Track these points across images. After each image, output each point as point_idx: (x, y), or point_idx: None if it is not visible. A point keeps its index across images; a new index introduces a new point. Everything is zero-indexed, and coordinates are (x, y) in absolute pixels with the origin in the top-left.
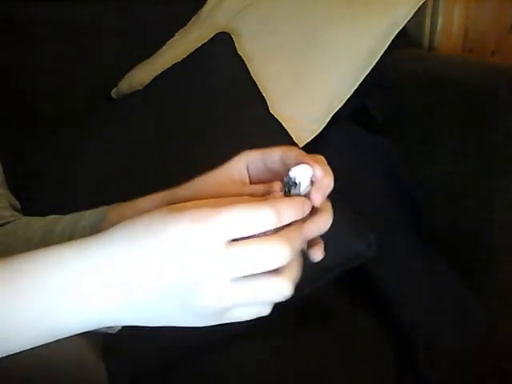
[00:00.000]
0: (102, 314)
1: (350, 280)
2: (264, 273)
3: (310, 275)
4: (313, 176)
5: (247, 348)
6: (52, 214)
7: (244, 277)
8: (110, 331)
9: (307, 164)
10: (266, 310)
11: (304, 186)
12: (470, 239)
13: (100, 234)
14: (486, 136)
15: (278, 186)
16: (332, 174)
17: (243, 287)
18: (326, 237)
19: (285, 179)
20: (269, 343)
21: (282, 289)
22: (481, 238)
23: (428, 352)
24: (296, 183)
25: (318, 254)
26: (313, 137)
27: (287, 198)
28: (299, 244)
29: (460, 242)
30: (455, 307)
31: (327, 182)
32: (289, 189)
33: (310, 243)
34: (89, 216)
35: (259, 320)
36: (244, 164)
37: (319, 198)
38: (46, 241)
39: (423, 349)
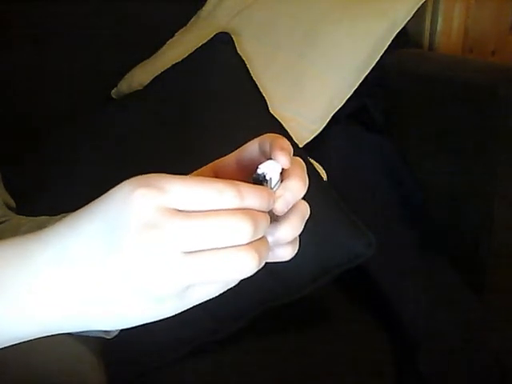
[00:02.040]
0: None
1: (350, 280)
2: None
3: (310, 275)
4: (282, 171)
5: (247, 348)
6: (51, 214)
7: (201, 250)
8: (106, 336)
9: (274, 160)
10: (230, 286)
11: (274, 182)
12: (470, 239)
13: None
14: (486, 136)
15: None
16: (305, 179)
17: (200, 260)
18: (326, 237)
19: (253, 176)
20: (269, 343)
21: (246, 261)
22: (481, 238)
23: (428, 352)
24: (266, 179)
25: (288, 252)
26: (313, 137)
27: (252, 184)
28: (265, 224)
29: (460, 242)
30: (455, 307)
31: (296, 186)
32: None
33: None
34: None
35: (259, 320)
36: (208, 174)
37: (279, 206)
38: None
39: (423, 349)
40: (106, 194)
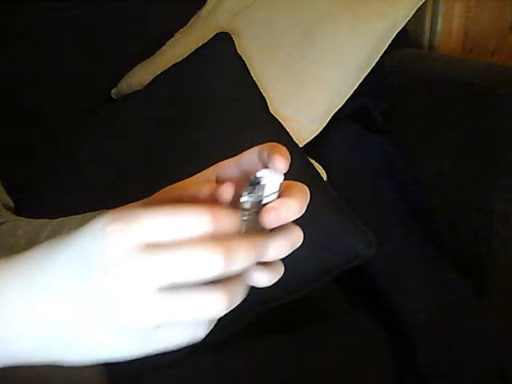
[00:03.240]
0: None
1: (350, 280)
2: (197, 285)
3: (310, 275)
4: (281, 184)
5: (247, 348)
6: (51, 214)
7: (173, 288)
8: None
9: (272, 167)
10: (200, 332)
11: (270, 191)
12: (470, 239)
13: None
14: (486, 136)
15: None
16: (303, 203)
17: (171, 299)
18: (326, 237)
19: (250, 179)
20: (269, 343)
21: (216, 303)
22: (481, 238)
23: (428, 352)
24: (261, 184)
25: (263, 277)
26: (313, 137)
27: (230, 208)
28: (243, 256)
29: (460, 242)
30: (455, 307)
31: (293, 204)
32: (251, 191)
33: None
34: (74, 222)
35: (259, 319)
36: (211, 176)
37: (267, 218)
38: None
39: (423, 348)
40: (81, 228)
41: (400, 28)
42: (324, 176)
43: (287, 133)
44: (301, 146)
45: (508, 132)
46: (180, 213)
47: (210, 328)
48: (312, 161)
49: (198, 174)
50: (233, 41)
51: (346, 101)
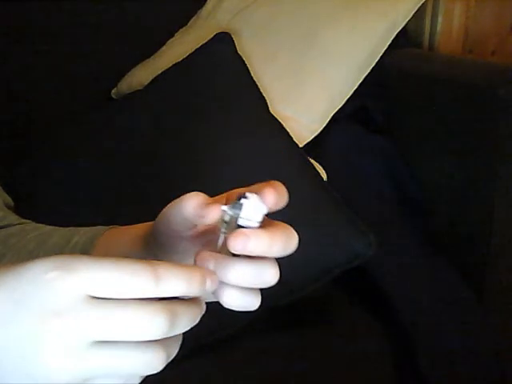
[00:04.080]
0: None
1: (350, 280)
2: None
3: (310, 275)
4: (264, 217)
5: (247, 348)
6: (51, 214)
7: (108, 342)
8: None
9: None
10: (133, 383)
11: (250, 216)
12: (470, 239)
13: None
14: (486, 136)
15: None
16: (278, 243)
17: (105, 354)
18: (326, 237)
19: (238, 193)
20: (269, 343)
21: (152, 361)
22: (481, 238)
23: (428, 352)
24: (240, 204)
25: (231, 298)
26: (313, 137)
27: (178, 264)
28: (186, 322)
29: (460, 242)
30: (455, 307)
31: (265, 239)
32: (234, 205)
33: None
34: (83, 233)
35: (259, 320)
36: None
37: (232, 242)
38: (35, 254)
39: (423, 349)
40: (21, 267)
41: (400, 28)
42: (324, 176)
43: (287, 133)
44: (301, 146)
45: (508, 132)
46: (122, 268)
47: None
48: (312, 161)
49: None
50: (233, 41)
51: (346, 101)
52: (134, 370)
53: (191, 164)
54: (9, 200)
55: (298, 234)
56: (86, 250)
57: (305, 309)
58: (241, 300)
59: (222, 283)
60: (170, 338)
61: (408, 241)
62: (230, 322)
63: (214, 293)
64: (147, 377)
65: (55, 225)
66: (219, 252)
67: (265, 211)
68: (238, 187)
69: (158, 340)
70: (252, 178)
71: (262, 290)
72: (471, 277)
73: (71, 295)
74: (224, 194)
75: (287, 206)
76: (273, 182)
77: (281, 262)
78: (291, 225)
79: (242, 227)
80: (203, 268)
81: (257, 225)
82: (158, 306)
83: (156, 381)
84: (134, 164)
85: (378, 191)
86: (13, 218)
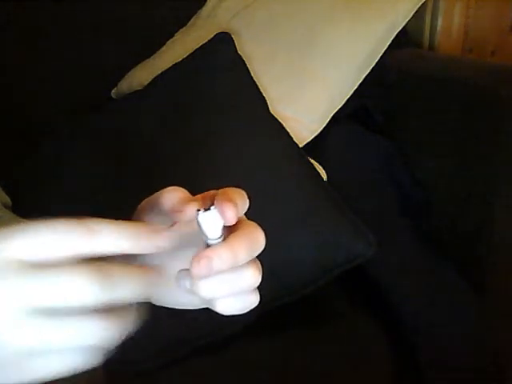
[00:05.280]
0: None
1: (349, 280)
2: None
3: (310, 275)
4: (224, 229)
5: (247, 348)
6: (50, 213)
7: (51, 314)
8: None
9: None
10: (87, 359)
11: (210, 234)
12: (470, 239)
13: None
14: (486, 136)
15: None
16: (245, 244)
17: (44, 322)
18: (326, 237)
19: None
20: (269, 343)
21: (97, 331)
22: (481, 238)
23: (428, 352)
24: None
25: (225, 306)
26: (313, 137)
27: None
28: (125, 285)
29: (460, 242)
30: (455, 307)
31: (225, 254)
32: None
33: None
34: None
35: (259, 320)
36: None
37: (196, 269)
38: None
39: (423, 349)
40: None
41: (400, 28)
42: (324, 176)
43: (287, 133)
44: (301, 146)
45: (508, 132)
46: (55, 229)
47: (108, 354)
48: (312, 161)
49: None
50: (233, 41)
51: (346, 101)
52: (77, 340)
53: (191, 164)
54: (6, 200)
55: (298, 234)
56: None
57: (305, 309)
58: (234, 306)
59: None
60: (119, 310)
61: (408, 241)
62: (229, 322)
63: (207, 304)
64: (147, 377)
65: None
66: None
67: (221, 225)
68: (236, 187)
69: (105, 310)
70: (252, 178)
71: (261, 290)
72: (471, 277)
73: (4, 262)
74: (200, 195)
75: (287, 206)
76: (228, 190)
77: (281, 262)
78: (290, 223)
79: (206, 243)
80: (156, 226)
81: (219, 240)
82: (92, 267)
83: (156, 381)
84: (134, 164)
85: (378, 191)
86: (10, 217)
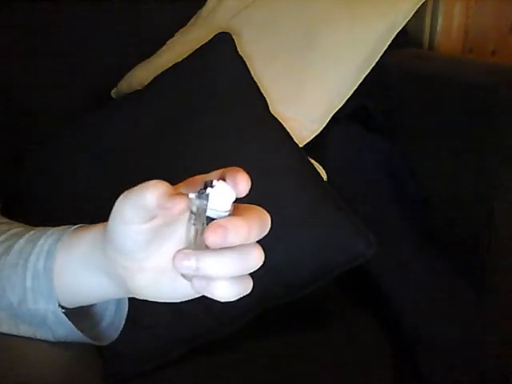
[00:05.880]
0: None
1: (349, 280)
2: None
3: (310, 275)
4: (233, 204)
5: (247, 348)
6: (50, 213)
7: None
8: (100, 344)
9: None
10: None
11: (217, 205)
12: (470, 239)
13: None
14: (486, 136)
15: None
16: (254, 226)
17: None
18: (326, 237)
19: (204, 181)
20: (269, 343)
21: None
22: (481, 238)
23: (428, 352)
24: (207, 194)
25: (223, 290)
26: (313, 137)
27: None
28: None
29: (460, 242)
30: (455, 307)
31: (242, 226)
32: (200, 194)
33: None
34: (50, 234)
35: (259, 319)
36: (183, 191)
37: (211, 236)
38: (1, 262)
39: (423, 349)
40: None
41: (400, 28)
42: (324, 176)
43: (287, 133)
44: (301, 146)
45: (508, 132)
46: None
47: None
48: (312, 161)
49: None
50: (233, 41)
51: (346, 101)
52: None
53: (191, 164)
54: None
55: (298, 234)
56: (51, 253)
57: (305, 309)
58: (233, 289)
59: (208, 279)
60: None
61: (408, 241)
62: (229, 321)
63: (204, 291)
64: (147, 377)
65: (54, 225)
66: (190, 245)
67: (233, 198)
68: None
69: None
70: (251, 178)
71: (261, 290)
72: (471, 277)
73: None
74: (182, 182)
75: (287, 206)
76: (233, 168)
77: (281, 262)
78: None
79: (211, 218)
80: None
81: (226, 214)
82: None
83: (156, 381)
84: (134, 164)
85: (378, 191)
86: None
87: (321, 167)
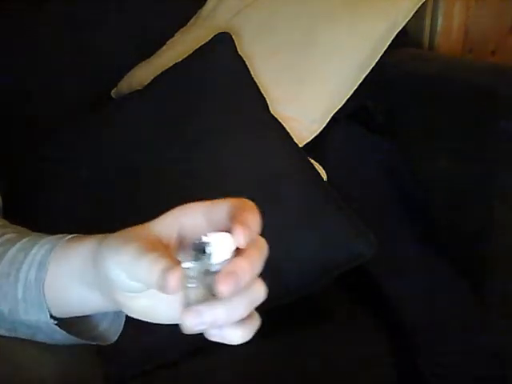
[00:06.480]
0: None
1: (349, 280)
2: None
3: (310, 275)
4: (234, 250)
5: (247, 348)
6: (50, 213)
7: None
8: (101, 343)
9: (229, 232)
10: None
11: (218, 258)
12: (470, 239)
13: None
14: (486, 136)
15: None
16: (256, 263)
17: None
18: (326, 237)
19: (195, 242)
20: (269, 343)
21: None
22: (481, 238)
23: (428, 352)
24: (206, 251)
25: (236, 335)
26: (313, 137)
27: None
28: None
29: (460, 242)
30: (455, 307)
31: (243, 265)
32: (196, 257)
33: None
34: (43, 243)
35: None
36: (175, 226)
37: (225, 287)
38: None
39: (423, 349)
40: None
41: (400, 28)
42: (324, 176)
43: (287, 133)
44: (301, 146)
45: (508, 132)
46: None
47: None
48: (312, 161)
49: (165, 214)
50: (233, 41)
51: (346, 101)
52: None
53: (191, 164)
54: None
55: (298, 234)
56: (44, 265)
57: (305, 309)
58: (246, 330)
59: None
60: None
61: (408, 240)
62: None
63: (220, 339)
64: (147, 377)
65: (54, 225)
66: (191, 302)
67: (233, 247)
68: (236, 187)
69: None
70: (252, 178)
71: None
72: (471, 277)
73: None
74: (179, 208)
75: (287, 206)
76: (239, 202)
77: (281, 262)
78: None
79: (213, 271)
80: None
81: (228, 258)
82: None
83: (156, 381)
84: (134, 164)
85: (378, 191)
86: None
87: (321, 167)
